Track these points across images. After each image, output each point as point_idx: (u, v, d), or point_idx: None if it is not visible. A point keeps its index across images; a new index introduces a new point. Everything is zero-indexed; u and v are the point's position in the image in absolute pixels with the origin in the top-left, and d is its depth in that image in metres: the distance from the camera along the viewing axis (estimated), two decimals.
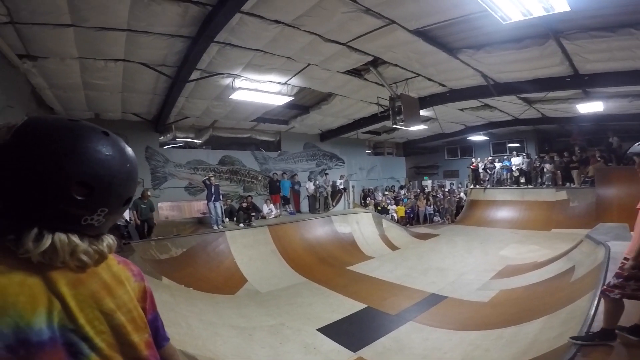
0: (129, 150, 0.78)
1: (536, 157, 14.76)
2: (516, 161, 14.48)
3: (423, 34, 5.63)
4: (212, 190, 8.98)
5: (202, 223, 9.77)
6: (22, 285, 0.61)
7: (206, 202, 9.24)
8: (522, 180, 13.95)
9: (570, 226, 10.39)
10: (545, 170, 13.17)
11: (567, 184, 12.34)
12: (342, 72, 7.39)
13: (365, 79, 7.99)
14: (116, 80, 6.67)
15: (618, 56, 5.93)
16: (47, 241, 0.64)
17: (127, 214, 7.70)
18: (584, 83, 7.31)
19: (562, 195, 11.99)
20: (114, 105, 8.34)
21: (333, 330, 4.76)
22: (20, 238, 0.63)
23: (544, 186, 12.92)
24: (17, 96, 5.92)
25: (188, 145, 11.90)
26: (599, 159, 11.43)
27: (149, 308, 0.85)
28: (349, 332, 4.74)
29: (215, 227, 8.84)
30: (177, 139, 11.35)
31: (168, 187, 10.61)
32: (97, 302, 0.70)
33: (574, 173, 12.18)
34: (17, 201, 0.63)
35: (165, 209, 10.28)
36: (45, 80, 6.28)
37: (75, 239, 0.68)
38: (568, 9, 3.80)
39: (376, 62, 7.05)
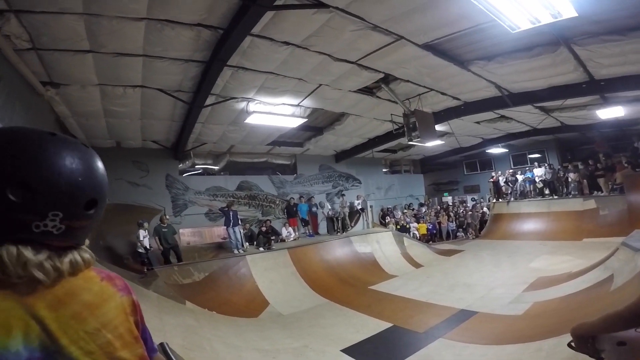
0: (84, 148, 0.73)
1: (559, 166, 14.30)
2: (538, 172, 14.06)
3: (432, 47, 5.68)
4: (231, 216, 9.15)
5: (222, 248, 9.89)
6: None
7: (225, 227, 9.37)
8: (547, 191, 13.47)
9: (603, 235, 9.89)
10: (570, 179, 12.72)
11: (595, 192, 11.84)
12: (354, 91, 7.50)
13: (378, 97, 8.06)
14: (135, 107, 6.77)
15: (633, 59, 5.83)
16: None
17: (147, 242, 7.80)
18: (600, 88, 7.18)
19: (590, 204, 11.50)
20: (134, 133, 8.55)
21: (358, 351, 4.59)
22: None
23: (570, 196, 12.43)
24: (43, 125, 6.18)
25: (206, 172, 12.18)
26: (625, 165, 10.97)
27: (140, 320, 0.82)
28: (375, 352, 4.56)
29: (235, 252, 8.90)
30: (196, 166, 11.66)
31: (189, 213, 10.80)
32: (79, 323, 0.67)
33: (601, 181, 11.71)
34: None
35: (186, 235, 10.41)
36: (68, 108, 6.42)
37: (26, 251, 0.63)
38: (575, 14, 3.79)
39: (387, 79, 7.14)
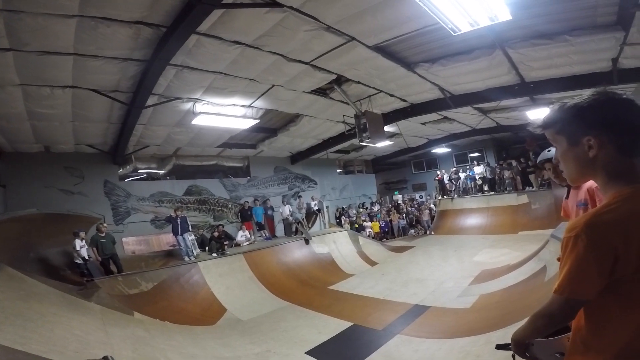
0: None
1: (496, 164, 15.63)
2: (478, 170, 15.26)
3: (382, 49, 5.85)
4: (178, 222, 8.71)
5: (172, 255, 9.37)
6: None
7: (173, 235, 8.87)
8: (486, 187, 14.65)
9: (535, 227, 10.93)
10: (505, 176, 13.96)
11: (527, 187, 13.09)
12: (308, 92, 7.47)
13: (331, 98, 8.12)
14: (65, 108, 6.26)
15: (558, 63, 6.44)
16: None
17: (84, 252, 7.14)
18: (530, 90, 7.82)
19: (523, 199, 12.69)
20: (65, 137, 7.81)
21: (322, 352, 4.58)
22: None
23: (506, 192, 13.63)
24: None
25: (151, 177, 11.40)
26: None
27: None
28: (339, 352, 4.57)
29: (186, 259, 8.45)
30: (138, 171, 10.85)
31: (132, 221, 9.98)
32: None
33: (532, 177, 12.99)
34: None
35: (131, 244, 9.62)
36: None
37: None
38: (510, 17, 4.09)
39: (340, 80, 7.22)
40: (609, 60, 6.27)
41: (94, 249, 7.31)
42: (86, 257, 7.13)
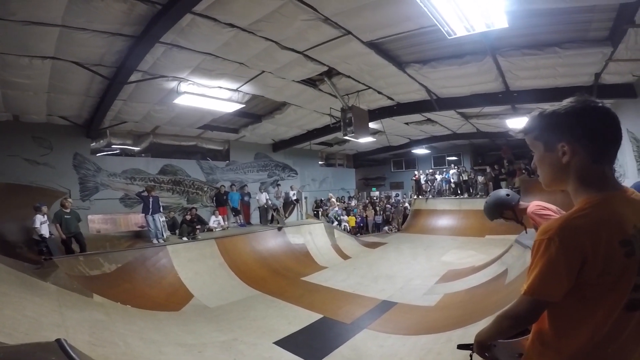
0: None
1: (471, 169, 16.15)
2: (453, 172, 15.72)
3: (376, 46, 5.85)
4: (150, 202, 8.33)
5: (140, 237, 9.05)
6: None
7: (143, 214, 8.49)
8: (459, 191, 15.13)
9: (501, 232, 11.33)
10: (478, 181, 14.47)
11: None
12: (297, 82, 7.37)
13: (320, 90, 8.06)
14: (42, 79, 5.97)
15: (543, 74, 6.65)
16: None
17: (45, 229, 6.71)
18: (513, 99, 8.07)
19: None
20: (37, 107, 7.37)
21: (291, 343, 4.57)
22: None
23: (478, 196, 14.13)
24: None
25: (125, 153, 10.90)
26: (523, 171, 12.84)
27: None
28: (307, 343, 4.59)
29: (155, 241, 8.16)
30: (112, 146, 10.35)
31: (100, 198, 9.55)
32: None
33: (503, 184, 13.51)
34: None
35: (96, 222, 9.21)
36: None
37: None
38: (506, 25, 4.18)
39: (331, 73, 7.17)
40: (592, 75, 6.55)
41: (58, 225, 6.90)
42: (46, 235, 6.70)
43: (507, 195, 2.49)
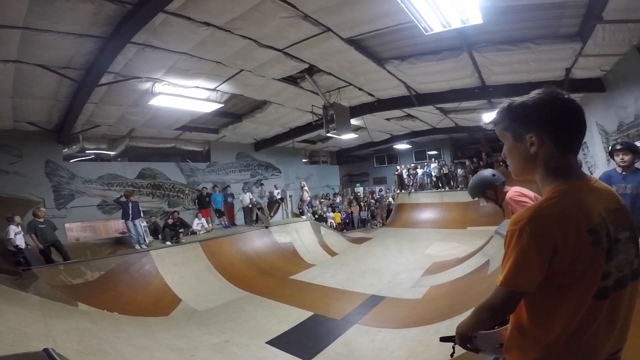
0: None
1: (451, 162, 16.53)
2: (434, 166, 16.06)
3: (356, 43, 5.85)
4: (130, 207, 8.12)
5: (121, 243, 8.82)
6: None
7: (123, 221, 8.27)
8: (440, 184, 15.47)
9: (482, 224, 11.69)
10: (458, 174, 14.84)
11: None
12: (278, 80, 7.28)
13: (301, 87, 8.00)
14: (5, 84, 5.64)
15: (517, 69, 6.84)
16: None
17: (20, 240, 6.43)
18: (489, 94, 8.28)
19: None
20: (2, 113, 6.99)
21: (283, 342, 4.58)
22: None
23: (459, 189, 14.50)
24: None
25: (100, 158, 10.53)
26: (501, 163, 13.23)
27: None
28: (300, 341, 4.59)
29: (137, 247, 7.98)
30: (86, 151, 9.96)
31: (77, 205, 9.17)
32: None
33: None
34: None
35: (75, 230, 8.86)
36: None
37: None
38: (481, 21, 4.27)
39: (312, 70, 7.12)
40: (563, 70, 6.78)
41: (33, 235, 6.63)
42: (22, 245, 6.42)
43: (493, 175, 2.56)
